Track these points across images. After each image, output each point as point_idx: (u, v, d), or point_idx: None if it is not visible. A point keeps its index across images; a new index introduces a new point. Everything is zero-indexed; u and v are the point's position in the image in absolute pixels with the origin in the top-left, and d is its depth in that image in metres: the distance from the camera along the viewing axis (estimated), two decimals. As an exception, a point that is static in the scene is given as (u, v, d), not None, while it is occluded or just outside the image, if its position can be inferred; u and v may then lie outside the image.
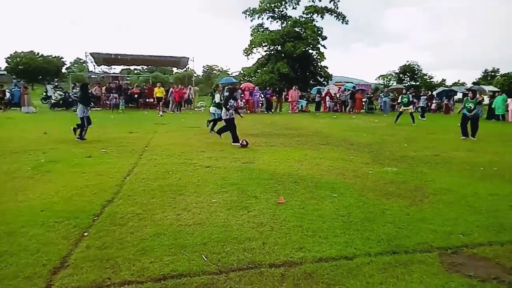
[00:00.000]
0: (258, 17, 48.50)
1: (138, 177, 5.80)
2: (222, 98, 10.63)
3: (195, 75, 61.41)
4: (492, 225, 3.94)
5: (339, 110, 25.32)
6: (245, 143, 8.95)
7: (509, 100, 20.06)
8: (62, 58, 71.02)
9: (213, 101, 11.94)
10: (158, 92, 21.68)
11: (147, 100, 24.66)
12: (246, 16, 48.53)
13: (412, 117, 15.95)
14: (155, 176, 5.83)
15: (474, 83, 46.99)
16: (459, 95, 39.65)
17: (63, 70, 70.10)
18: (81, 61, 62.96)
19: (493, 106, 20.26)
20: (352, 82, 35.35)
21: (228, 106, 9.37)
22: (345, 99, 25.44)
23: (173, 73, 61.47)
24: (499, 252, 3.29)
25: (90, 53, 24.86)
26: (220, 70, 73.13)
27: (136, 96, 24.76)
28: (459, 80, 58.50)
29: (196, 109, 25.44)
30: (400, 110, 16.75)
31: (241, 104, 22.17)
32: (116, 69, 40.01)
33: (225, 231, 3.67)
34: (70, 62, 74.25)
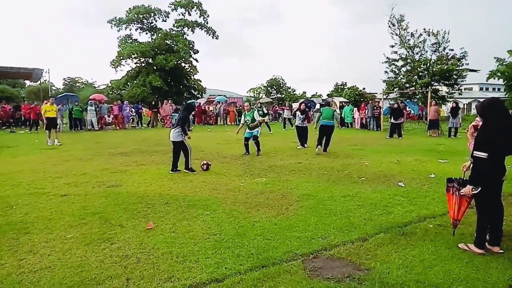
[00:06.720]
0: (126, 28, 46.05)
1: (-33, 217, 4.69)
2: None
3: (53, 88, 54.33)
4: (345, 225, 4.41)
5: (213, 123, 25.77)
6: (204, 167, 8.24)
7: (355, 109, 23.57)
8: None
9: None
10: (47, 110, 13.58)
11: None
12: (112, 26, 45.56)
13: (268, 126, 18.07)
14: (-8, 214, 4.81)
15: (328, 95, 53.65)
16: (317, 106, 44.81)
17: None
18: None
19: (342, 115, 23.48)
20: (225, 95, 36.52)
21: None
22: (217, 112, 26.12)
23: (26, 86, 53.24)
24: (351, 250, 3.68)
25: None
26: (85, 82, 66.44)
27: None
28: (316, 92, 65.93)
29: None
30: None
31: (108, 120, 20.52)
32: None
33: (81, 272, 3.20)
34: None
